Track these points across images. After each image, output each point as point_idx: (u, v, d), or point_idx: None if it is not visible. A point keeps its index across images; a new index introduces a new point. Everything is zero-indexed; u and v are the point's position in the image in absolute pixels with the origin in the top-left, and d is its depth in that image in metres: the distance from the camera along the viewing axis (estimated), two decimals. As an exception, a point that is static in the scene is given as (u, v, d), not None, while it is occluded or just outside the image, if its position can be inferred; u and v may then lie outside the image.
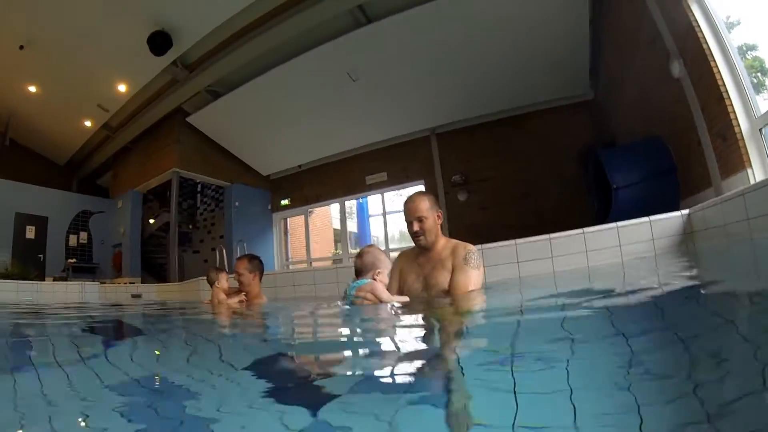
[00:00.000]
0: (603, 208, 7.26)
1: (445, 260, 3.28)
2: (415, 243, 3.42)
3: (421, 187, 12.43)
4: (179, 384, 1.60)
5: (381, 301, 2.86)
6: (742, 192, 3.47)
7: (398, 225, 14.34)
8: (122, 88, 12.82)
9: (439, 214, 3.38)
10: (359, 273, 3.10)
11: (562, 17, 8.34)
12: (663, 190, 6.12)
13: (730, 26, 5.04)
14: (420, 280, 3.40)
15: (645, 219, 4.48)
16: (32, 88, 14.18)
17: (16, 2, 10.75)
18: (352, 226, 20.05)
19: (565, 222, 6.78)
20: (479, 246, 4.78)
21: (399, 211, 13.59)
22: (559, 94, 10.60)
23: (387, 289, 3.05)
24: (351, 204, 17.63)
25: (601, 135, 9.49)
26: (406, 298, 3.17)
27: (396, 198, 14.47)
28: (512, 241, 4.92)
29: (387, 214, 13.84)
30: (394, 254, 12.71)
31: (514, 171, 11.09)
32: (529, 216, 10.30)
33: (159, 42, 10.15)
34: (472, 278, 3.13)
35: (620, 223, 4.56)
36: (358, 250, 3.70)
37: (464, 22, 8.81)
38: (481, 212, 11.39)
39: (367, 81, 10.76)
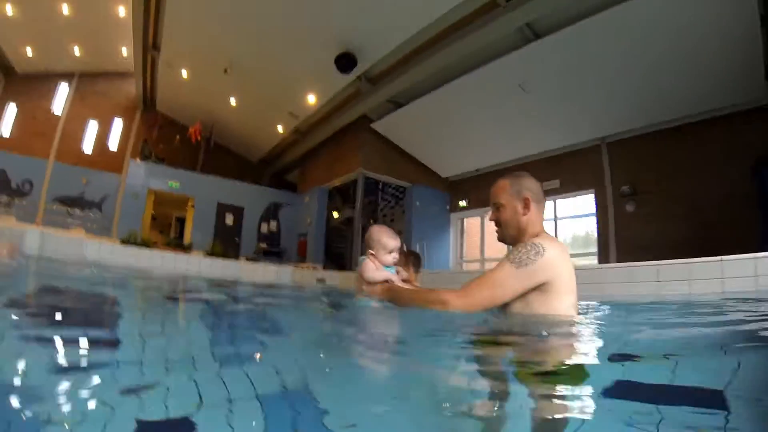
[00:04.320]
0: (768, 230, 6.62)
1: None
2: None
3: (591, 197, 12.72)
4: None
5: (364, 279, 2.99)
6: None
7: (571, 230, 14.69)
8: (311, 98, 14.87)
9: (527, 201, 2.58)
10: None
11: (731, 20, 8.20)
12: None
13: None
14: None
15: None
16: (233, 101, 16.96)
17: (221, 34, 13.27)
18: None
19: (734, 239, 7.05)
20: (638, 263, 5.40)
21: (572, 217, 14.07)
22: (733, 100, 9.98)
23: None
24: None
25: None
26: (388, 275, 2.99)
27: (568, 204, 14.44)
28: (655, 263, 5.23)
29: (558, 219, 14.21)
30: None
31: (683, 183, 10.74)
32: (696, 231, 10.06)
33: (345, 62, 11.81)
34: (493, 275, 2.37)
35: (759, 254, 4.62)
36: None
37: (631, 31, 9.02)
38: (648, 225, 11.22)
39: (539, 92, 11.40)
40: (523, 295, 2.33)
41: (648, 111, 11.01)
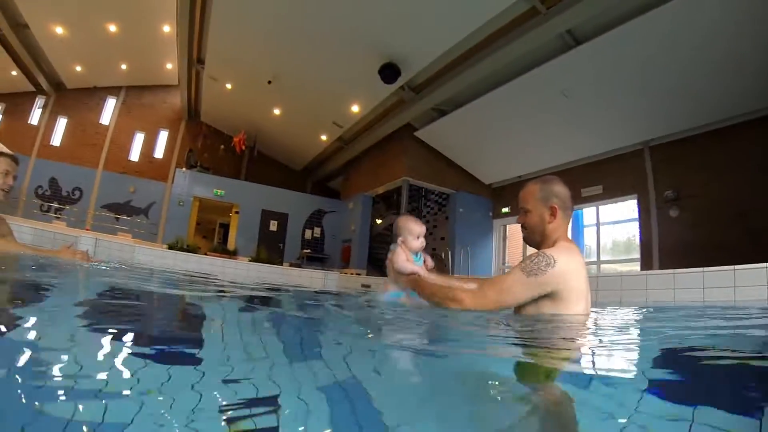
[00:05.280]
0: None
1: None
2: None
3: (634, 203, 12.70)
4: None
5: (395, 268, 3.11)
6: None
7: (612, 236, 14.51)
8: (355, 108, 15.21)
9: (554, 210, 2.70)
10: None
11: None
12: None
13: None
14: None
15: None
16: (276, 111, 17.63)
17: (265, 47, 13.70)
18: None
19: None
20: (683, 270, 5.36)
21: (613, 222, 14.00)
22: None
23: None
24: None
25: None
26: (416, 269, 3.04)
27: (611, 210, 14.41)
28: (700, 269, 5.18)
29: (600, 225, 14.20)
30: (606, 266, 13.62)
31: (728, 187, 10.49)
32: (742, 236, 9.84)
33: (389, 73, 12.09)
34: (504, 280, 2.54)
35: None
36: None
37: (670, 34, 8.99)
38: (692, 230, 11.03)
39: (581, 98, 11.46)
40: (535, 302, 2.46)
41: (689, 114, 10.93)
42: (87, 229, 16.82)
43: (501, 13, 9.81)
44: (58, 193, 19.14)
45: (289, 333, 2.38)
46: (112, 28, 16.35)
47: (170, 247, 14.16)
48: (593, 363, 1.73)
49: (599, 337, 2.28)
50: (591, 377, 1.55)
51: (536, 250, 2.58)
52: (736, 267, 4.92)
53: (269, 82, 15.05)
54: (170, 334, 2.08)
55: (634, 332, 2.73)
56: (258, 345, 1.94)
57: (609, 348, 2.01)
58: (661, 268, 11.04)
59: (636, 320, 3.60)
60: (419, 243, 3.26)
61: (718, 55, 9.12)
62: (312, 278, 13.49)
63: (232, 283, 7.04)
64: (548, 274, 2.39)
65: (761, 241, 9.43)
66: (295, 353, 1.84)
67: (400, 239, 3.22)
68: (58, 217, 18.22)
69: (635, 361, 1.80)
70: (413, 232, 3.25)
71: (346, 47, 12.29)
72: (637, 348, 2.11)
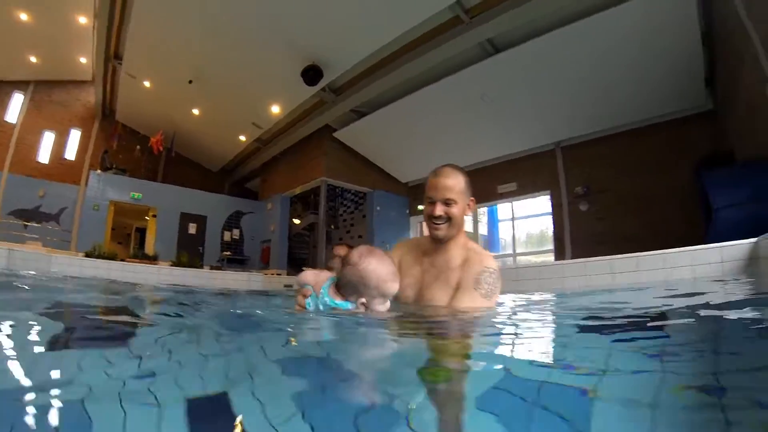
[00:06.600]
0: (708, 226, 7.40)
1: (452, 271, 2.49)
2: (430, 232, 2.62)
3: (547, 198, 13.48)
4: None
5: None
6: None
7: (525, 230, 15.15)
8: (275, 109, 15.29)
9: (472, 202, 2.62)
10: (340, 287, 2.16)
11: (676, 37, 8.97)
12: (772, 211, 5.92)
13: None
14: (415, 288, 2.61)
15: (716, 245, 5.04)
16: (196, 111, 17.41)
17: (187, 46, 13.51)
18: (482, 229, 20.72)
19: (679, 235, 7.57)
20: (592, 258, 5.93)
21: (527, 217, 14.93)
22: (678, 106, 10.85)
23: None
24: (483, 210, 18.44)
25: (720, 148, 9.54)
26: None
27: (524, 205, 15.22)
28: (608, 257, 5.76)
29: (515, 220, 14.94)
30: (521, 258, 14.21)
31: (633, 183, 11.50)
32: (645, 227, 10.85)
33: (312, 75, 12.27)
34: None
35: (695, 247, 5.20)
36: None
37: (584, 46, 9.78)
38: (601, 222, 11.97)
39: (498, 101, 12.09)
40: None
41: (600, 118, 11.85)
42: (-7, 238, 15.91)
43: (425, 21, 10.18)
44: (-42, 198, 17.85)
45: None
46: (23, 16, 15.32)
47: (88, 255, 13.66)
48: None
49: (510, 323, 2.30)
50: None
51: (483, 266, 2.44)
52: (639, 254, 5.51)
53: (190, 82, 14.84)
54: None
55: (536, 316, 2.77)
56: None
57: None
58: (574, 257, 11.75)
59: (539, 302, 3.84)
60: (387, 305, 2.20)
61: (625, 65, 10.04)
62: (237, 280, 13.41)
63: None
64: (499, 286, 2.46)
65: (660, 231, 10.43)
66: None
67: (360, 301, 2.11)
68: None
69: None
70: (387, 293, 2.14)
71: (269, 48, 12.35)
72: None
